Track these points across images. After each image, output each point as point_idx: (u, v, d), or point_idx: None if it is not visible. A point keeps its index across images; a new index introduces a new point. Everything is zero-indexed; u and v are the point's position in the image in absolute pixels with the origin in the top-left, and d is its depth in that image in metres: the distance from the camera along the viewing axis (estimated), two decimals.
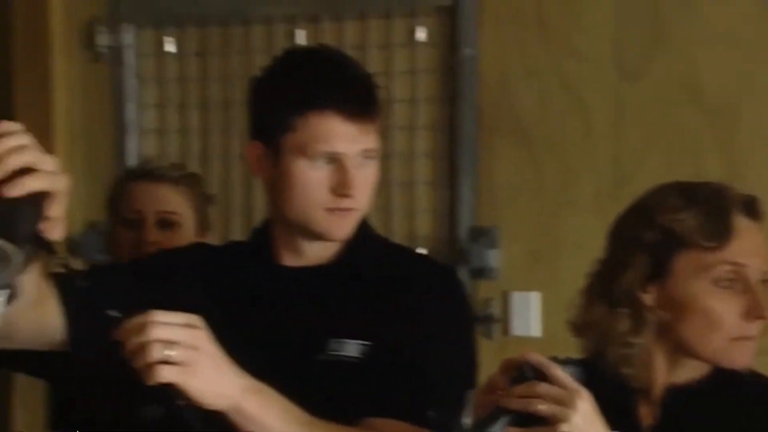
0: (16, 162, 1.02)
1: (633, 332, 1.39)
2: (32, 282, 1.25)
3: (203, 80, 2.69)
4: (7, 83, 2.55)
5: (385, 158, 1.63)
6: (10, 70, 2.57)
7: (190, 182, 1.99)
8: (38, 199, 1.05)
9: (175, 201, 1.94)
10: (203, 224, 1.98)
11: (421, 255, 2.10)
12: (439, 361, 1.40)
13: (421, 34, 2.55)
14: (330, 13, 2.60)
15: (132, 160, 2.71)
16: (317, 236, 1.45)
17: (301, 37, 2.60)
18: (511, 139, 2.47)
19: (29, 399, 2.59)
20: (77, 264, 1.22)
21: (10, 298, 1.10)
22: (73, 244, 2.57)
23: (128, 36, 2.69)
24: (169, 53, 2.70)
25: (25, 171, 1.03)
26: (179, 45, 2.70)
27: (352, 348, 1.41)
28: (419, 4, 2.55)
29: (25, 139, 1.05)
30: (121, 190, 1.98)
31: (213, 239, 1.97)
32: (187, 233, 1.92)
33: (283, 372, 1.31)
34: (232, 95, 2.64)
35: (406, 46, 2.56)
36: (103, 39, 2.67)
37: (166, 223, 1.92)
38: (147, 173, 1.98)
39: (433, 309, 1.44)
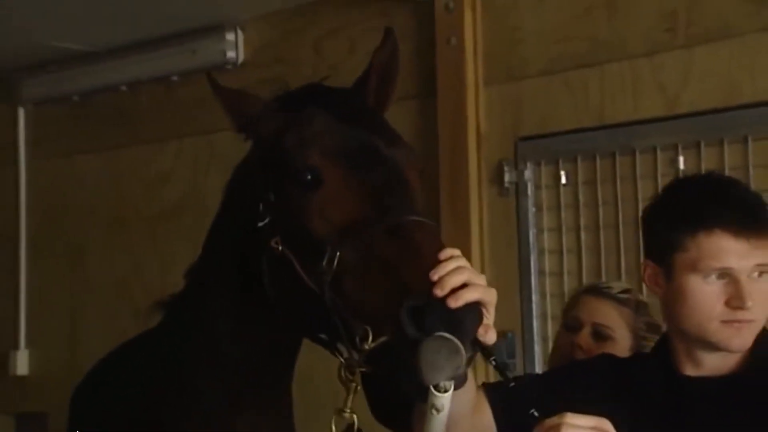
0: (457, 280, 1.25)
1: None
2: (471, 391, 1.45)
3: (593, 206, 2.93)
4: (436, 213, 2.98)
5: None
6: (437, 205, 3.04)
7: (634, 307, 2.09)
8: (475, 308, 1.26)
9: (612, 317, 2.06)
10: (638, 348, 2.02)
11: None
12: None
13: None
14: (711, 140, 2.71)
15: (533, 276, 3.01)
16: (714, 347, 1.54)
17: (683, 163, 2.74)
18: None
19: None
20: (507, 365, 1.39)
21: (455, 387, 1.28)
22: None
23: (529, 173, 3.04)
24: (562, 184, 3.00)
25: (463, 286, 1.24)
26: (571, 176, 2.98)
27: None
28: None
29: (462, 262, 1.28)
30: (573, 300, 2.20)
31: None
32: (619, 349, 1.98)
33: None
34: (620, 217, 2.85)
35: None
36: (508, 176, 3.06)
37: (600, 334, 2.06)
38: (596, 289, 2.16)
39: None
